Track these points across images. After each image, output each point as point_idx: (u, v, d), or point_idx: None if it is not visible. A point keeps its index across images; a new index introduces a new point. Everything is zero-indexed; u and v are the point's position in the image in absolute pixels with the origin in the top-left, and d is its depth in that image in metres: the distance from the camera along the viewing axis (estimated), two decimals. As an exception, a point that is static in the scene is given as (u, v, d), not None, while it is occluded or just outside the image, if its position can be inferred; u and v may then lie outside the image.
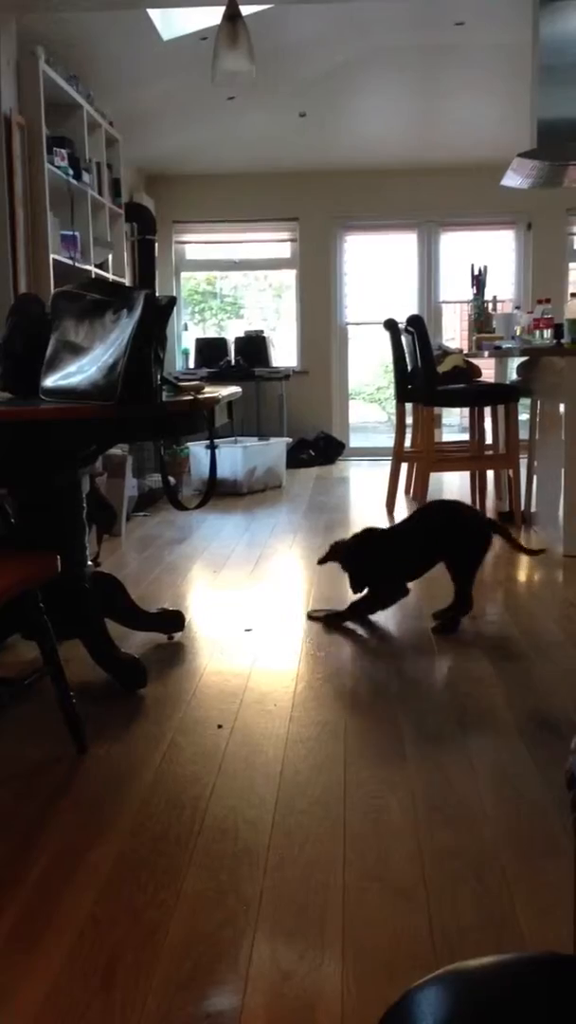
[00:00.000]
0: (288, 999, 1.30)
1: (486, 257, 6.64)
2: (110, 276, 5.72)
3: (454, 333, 8.26)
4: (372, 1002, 1.29)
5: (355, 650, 2.85)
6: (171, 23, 4.92)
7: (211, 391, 2.47)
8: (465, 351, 5.65)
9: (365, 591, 3.10)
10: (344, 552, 3.10)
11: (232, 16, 3.81)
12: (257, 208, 7.75)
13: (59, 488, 2.53)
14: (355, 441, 8.15)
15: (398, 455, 5.47)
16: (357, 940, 1.43)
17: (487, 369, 5.69)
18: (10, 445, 2.15)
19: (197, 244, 8.10)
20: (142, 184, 7.52)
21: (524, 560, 3.96)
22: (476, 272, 5.81)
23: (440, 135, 6.98)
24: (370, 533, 3.14)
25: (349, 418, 8.17)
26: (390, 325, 5.40)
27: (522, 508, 4.76)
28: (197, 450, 6.02)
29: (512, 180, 5.24)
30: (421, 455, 5.01)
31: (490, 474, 5.62)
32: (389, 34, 5.43)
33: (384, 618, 3.15)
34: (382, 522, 4.95)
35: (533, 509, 4.81)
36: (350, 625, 3.09)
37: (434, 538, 3.03)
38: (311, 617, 3.16)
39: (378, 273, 8.03)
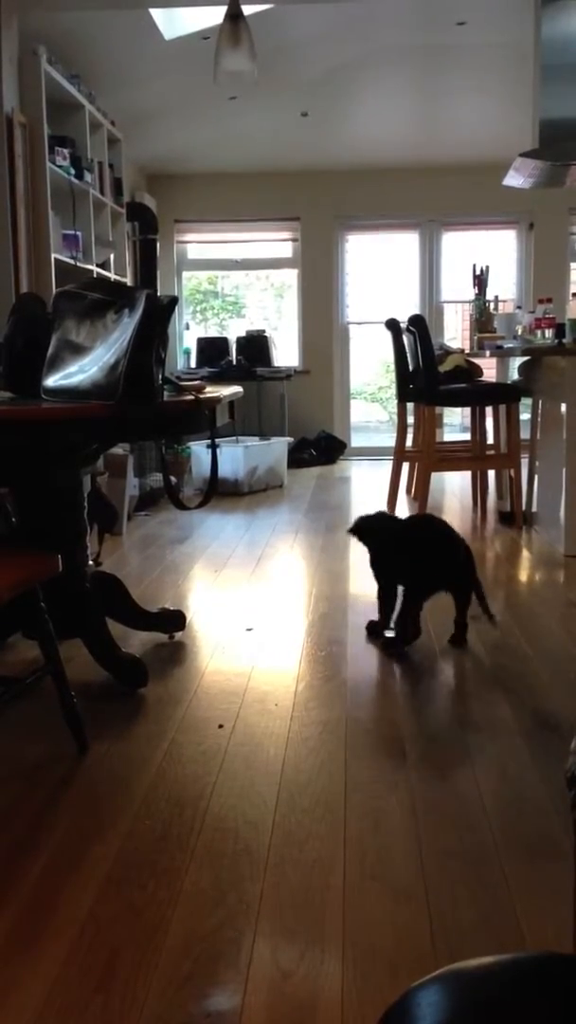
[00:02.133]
0: (288, 998, 1.30)
1: (488, 257, 6.63)
2: (112, 276, 5.72)
3: (455, 333, 8.26)
4: (372, 1002, 1.29)
5: (356, 650, 2.85)
6: (173, 22, 4.92)
7: (212, 391, 2.47)
8: (466, 351, 5.65)
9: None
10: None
11: (234, 15, 3.81)
12: (259, 208, 7.75)
13: (60, 487, 2.54)
14: (356, 441, 8.15)
15: (399, 455, 5.47)
16: (357, 940, 1.43)
17: (488, 369, 5.69)
18: (11, 444, 2.15)
19: (199, 243, 8.10)
20: (144, 183, 7.52)
21: (525, 560, 3.96)
22: (478, 272, 5.81)
23: (442, 135, 6.98)
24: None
25: (350, 418, 8.17)
26: (391, 325, 5.40)
27: (523, 508, 4.76)
28: (198, 449, 6.03)
29: (514, 180, 5.24)
30: (422, 455, 5.01)
31: (491, 474, 5.62)
32: (391, 34, 5.42)
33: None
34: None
35: (534, 509, 4.81)
36: (350, 625, 3.09)
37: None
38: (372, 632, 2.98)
39: (379, 273, 8.03)
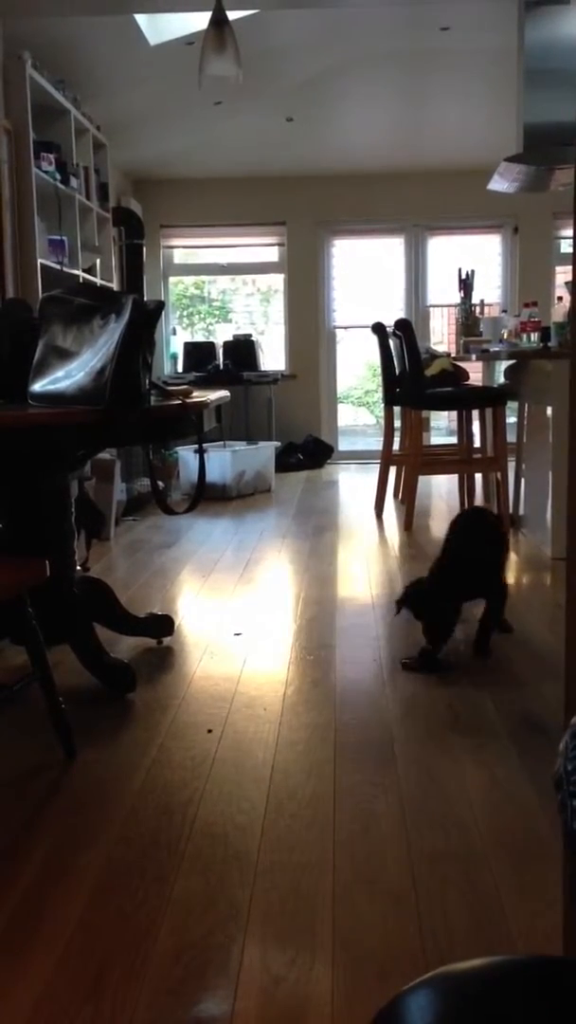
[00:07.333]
0: (279, 1004, 1.30)
1: (473, 261, 6.67)
2: (98, 281, 5.71)
3: (441, 336, 8.28)
4: (362, 1006, 1.29)
5: (344, 654, 2.85)
6: (158, 28, 4.93)
7: (199, 395, 2.47)
8: (452, 354, 5.67)
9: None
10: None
11: (219, 21, 3.82)
12: (245, 212, 7.76)
13: (47, 493, 2.53)
14: (344, 445, 8.16)
15: (386, 458, 5.48)
16: (347, 944, 1.43)
17: (474, 372, 5.71)
18: (-2, 450, 2.14)
19: (185, 248, 8.10)
20: (130, 188, 7.52)
21: (513, 562, 3.97)
22: (463, 276, 5.83)
23: (427, 140, 7.01)
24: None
25: (338, 422, 8.18)
26: (378, 329, 5.41)
27: (510, 511, 4.77)
28: (186, 454, 6.02)
29: (498, 184, 5.27)
30: (409, 458, 5.02)
31: (478, 477, 5.64)
32: (375, 39, 5.44)
33: (373, 621, 3.16)
34: (370, 524, 4.96)
35: (521, 512, 4.82)
36: (338, 629, 3.09)
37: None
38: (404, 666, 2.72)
39: (366, 277, 8.05)
